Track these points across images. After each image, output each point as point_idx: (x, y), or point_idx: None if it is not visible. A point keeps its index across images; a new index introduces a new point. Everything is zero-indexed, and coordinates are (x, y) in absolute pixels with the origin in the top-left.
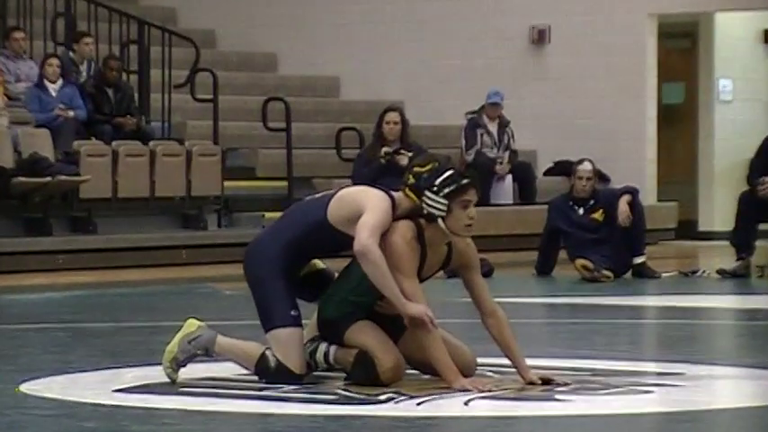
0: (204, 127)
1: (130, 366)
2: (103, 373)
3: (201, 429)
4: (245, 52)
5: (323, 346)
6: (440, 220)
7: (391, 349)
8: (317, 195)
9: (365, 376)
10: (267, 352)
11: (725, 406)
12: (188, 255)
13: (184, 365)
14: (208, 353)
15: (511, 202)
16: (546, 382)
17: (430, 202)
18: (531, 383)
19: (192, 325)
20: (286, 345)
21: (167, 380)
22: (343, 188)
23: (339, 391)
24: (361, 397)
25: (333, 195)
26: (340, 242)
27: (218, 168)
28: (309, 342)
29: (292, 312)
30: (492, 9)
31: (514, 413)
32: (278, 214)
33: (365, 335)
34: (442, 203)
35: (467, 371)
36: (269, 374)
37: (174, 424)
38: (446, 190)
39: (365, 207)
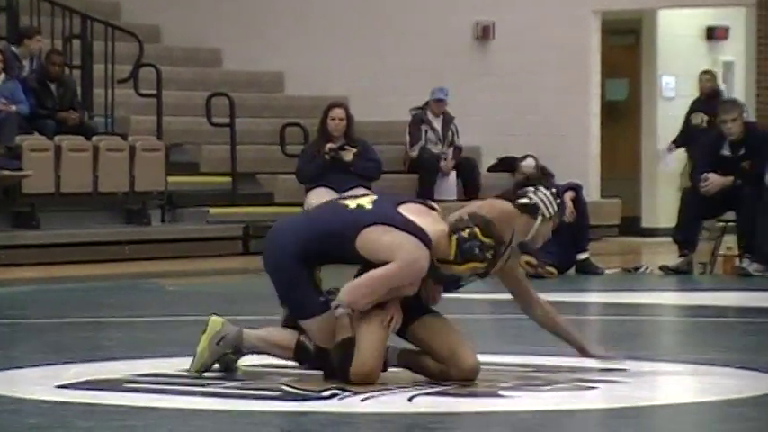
0: (148, 122)
1: (74, 362)
2: (47, 369)
3: (145, 425)
4: (189, 47)
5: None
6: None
7: (374, 355)
8: (353, 206)
9: (338, 363)
10: (303, 339)
11: (667, 402)
12: (131, 250)
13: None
14: (237, 350)
15: (455, 197)
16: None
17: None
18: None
19: (216, 323)
20: (323, 331)
21: (112, 376)
22: (370, 225)
23: (284, 387)
24: (305, 393)
25: (369, 224)
26: (359, 260)
27: (162, 164)
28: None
29: (321, 299)
30: (437, 5)
31: (458, 409)
32: (221, 210)
33: (367, 329)
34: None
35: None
36: (309, 360)
37: (118, 420)
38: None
39: (393, 259)
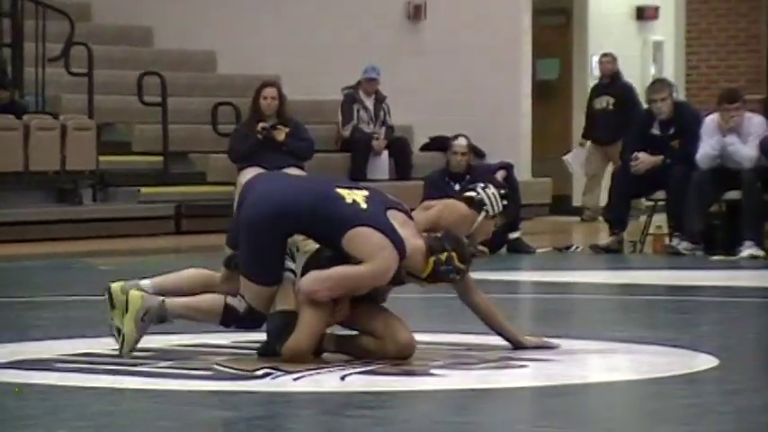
0: (79, 101)
1: (5, 342)
2: None
3: (77, 404)
4: (120, 26)
5: None
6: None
7: (311, 336)
8: (349, 200)
9: (273, 330)
10: (231, 301)
11: (597, 380)
12: (63, 229)
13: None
14: (163, 320)
15: (387, 177)
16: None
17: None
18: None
19: (136, 298)
20: (266, 299)
21: (44, 356)
22: (363, 225)
23: (216, 367)
24: (238, 372)
25: (362, 224)
26: (333, 247)
27: (94, 143)
28: None
29: (281, 273)
30: None
31: (390, 388)
32: (153, 189)
33: (312, 311)
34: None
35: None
36: (238, 320)
37: (50, 400)
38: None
39: (368, 260)
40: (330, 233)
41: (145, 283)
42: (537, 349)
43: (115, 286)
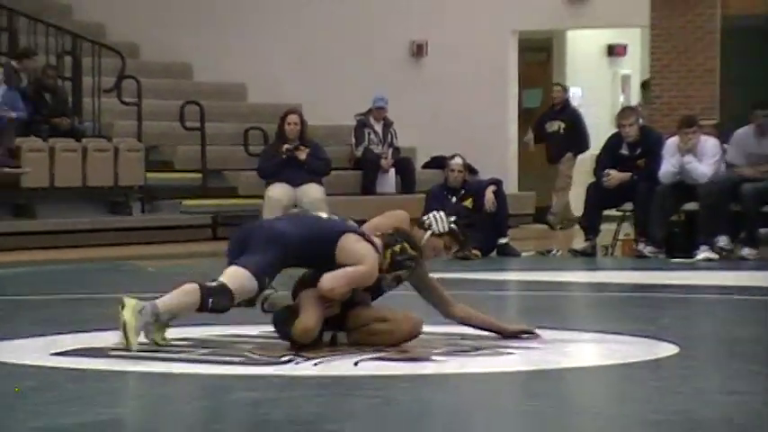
0: (129, 126)
1: (66, 333)
2: (43, 339)
3: (126, 387)
4: (164, 62)
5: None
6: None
7: (315, 319)
8: (325, 216)
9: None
10: (203, 283)
11: (575, 365)
12: (115, 236)
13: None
14: (156, 318)
15: (394, 191)
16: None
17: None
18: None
19: (131, 301)
20: (245, 288)
21: (98, 345)
22: (352, 233)
23: (247, 354)
24: (266, 359)
25: (344, 232)
26: (325, 260)
27: (142, 162)
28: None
29: (267, 279)
30: (378, 26)
31: (397, 372)
32: (193, 202)
33: (311, 301)
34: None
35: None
36: (212, 294)
37: (103, 382)
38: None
39: (360, 263)
40: (324, 247)
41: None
42: (520, 333)
43: (129, 299)
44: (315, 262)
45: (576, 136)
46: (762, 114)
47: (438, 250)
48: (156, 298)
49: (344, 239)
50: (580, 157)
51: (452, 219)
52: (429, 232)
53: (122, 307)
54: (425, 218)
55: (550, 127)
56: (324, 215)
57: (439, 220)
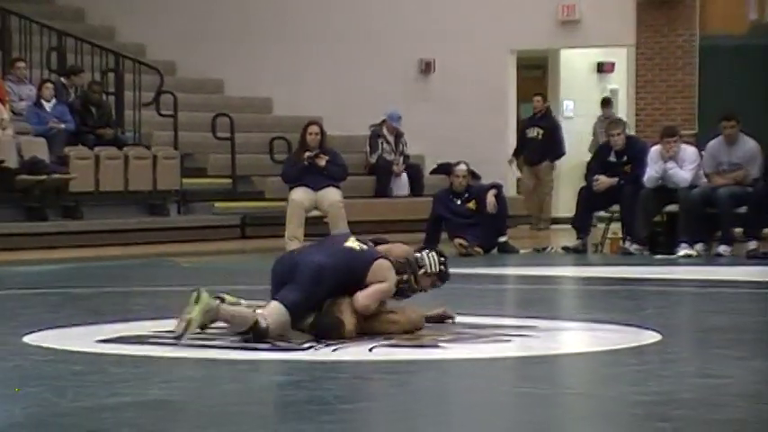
0: (167, 136)
1: (110, 322)
2: (88, 328)
3: (164, 371)
4: (198, 78)
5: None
6: None
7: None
8: (357, 248)
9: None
10: (259, 316)
11: (569, 351)
12: (154, 235)
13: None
14: (213, 321)
15: (408, 193)
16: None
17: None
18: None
19: (206, 298)
20: (282, 323)
21: (140, 332)
22: (378, 258)
23: (271, 341)
24: (289, 346)
25: (374, 260)
26: (357, 282)
27: (178, 168)
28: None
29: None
30: (390, 46)
31: (407, 357)
32: (224, 204)
33: (350, 310)
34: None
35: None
36: (259, 334)
37: (144, 366)
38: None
39: (387, 280)
40: (356, 274)
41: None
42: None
43: (205, 295)
44: (345, 290)
45: (552, 142)
46: (728, 126)
47: (424, 289)
48: (192, 290)
49: (376, 264)
50: (573, 162)
51: (443, 260)
52: (422, 270)
53: (196, 300)
54: (420, 256)
55: (530, 133)
56: (355, 246)
57: (432, 262)
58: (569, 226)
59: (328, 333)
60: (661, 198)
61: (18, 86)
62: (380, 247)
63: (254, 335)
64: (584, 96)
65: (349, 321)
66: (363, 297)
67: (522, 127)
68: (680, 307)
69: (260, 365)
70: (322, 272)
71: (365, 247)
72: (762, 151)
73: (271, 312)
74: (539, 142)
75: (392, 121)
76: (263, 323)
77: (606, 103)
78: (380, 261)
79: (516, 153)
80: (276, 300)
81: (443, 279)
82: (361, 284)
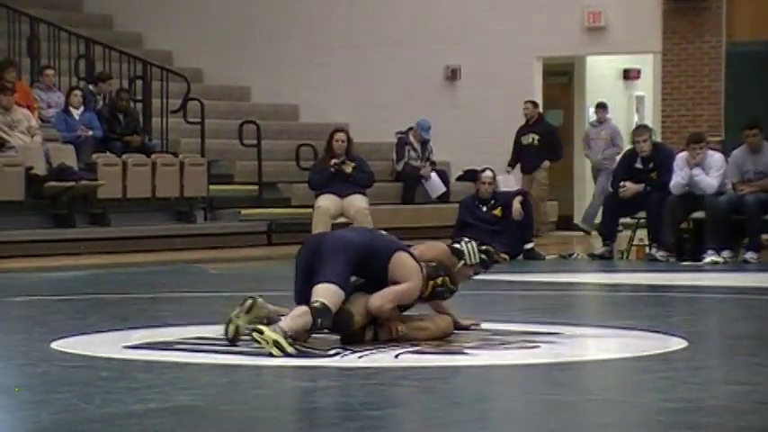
0: (194, 143)
1: (137, 328)
2: (115, 334)
3: (191, 376)
4: (225, 85)
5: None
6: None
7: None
8: (386, 236)
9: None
10: (311, 304)
11: (595, 358)
12: (181, 242)
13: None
14: (286, 335)
15: (443, 192)
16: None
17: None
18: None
19: (269, 335)
20: (336, 296)
21: (166, 339)
22: (404, 251)
23: (299, 348)
24: (316, 352)
25: (399, 248)
26: (380, 274)
27: (205, 175)
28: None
29: (345, 284)
30: (416, 53)
31: (433, 364)
32: (250, 211)
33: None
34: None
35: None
36: (319, 315)
37: (171, 372)
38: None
39: (406, 281)
40: (380, 259)
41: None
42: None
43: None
44: (370, 272)
45: (549, 147)
46: (750, 134)
47: (468, 277)
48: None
49: (399, 255)
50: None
51: (483, 248)
52: (462, 262)
53: (267, 343)
54: (459, 246)
55: (525, 140)
56: (381, 232)
57: (471, 252)
58: (596, 232)
59: (338, 325)
60: (687, 205)
61: (47, 94)
62: (417, 248)
63: (320, 322)
64: (609, 103)
65: (358, 312)
66: (378, 297)
67: (516, 136)
68: (706, 314)
69: (286, 372)
70: (346, 242)
71: (391, 236)
72: None
73: (325, 295)
74: (535, 148)
75: (421, 130)
76: (316, 305)
77: (600, 107)
78: (402, 254)
79: (512, 163)
80: (319, 282)
81: (486, 266)
82: (384, 273)
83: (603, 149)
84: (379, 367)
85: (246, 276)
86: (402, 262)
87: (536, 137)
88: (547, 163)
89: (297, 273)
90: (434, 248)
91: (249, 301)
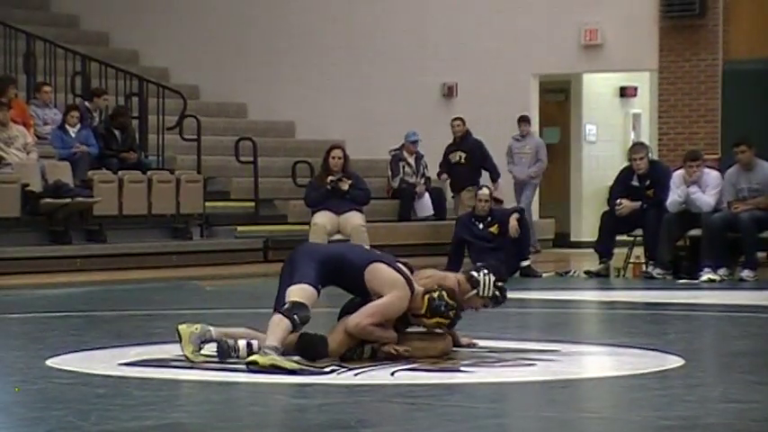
0: (190, 160)
1: (133, 345)
2: (111, 351)
3: (187, 394)
4: (221, 102)
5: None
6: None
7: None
8: (366, 249)
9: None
10: (280, 308)
11: (591, 375)
12: (177, 259)
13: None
14: (278, 351)
15: (431, 214)
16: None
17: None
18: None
19: (266, 359)
20: (310, 297)
21: (162, 356)
22: (381, 262)
23: (296, 362)
24: (311, 369)
25: (375, 260)
26: (360, 287)
27: (201, 192)
28: None
29: (317, 283)
30: (413, 69)
31: (429, 381)
32: (246, 228)
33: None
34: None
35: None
36: (292, 311)
37: (166, 390)
38: (435, 314)
39: (385, 294)
40: (354, 272)
41: (211, 328)
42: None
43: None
44: (346, 283)
45: (477, 165)
46: (739, 151)
47: (476, 309)
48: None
49: (374, 267)
50: (595, 187)
51: (499, 284)
52: (474, 291)
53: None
54: (477, 275)
55: (453, 158)
56: (365, 246)
57: (487, 285)
58: (592, 250)
59: (310, 349)
60: (684, 222)
61: (43, 110)
62: (431, 275)
63: (297, 318)
64: (606, 121)
65: (333, 339)
66: (354, 316)
67: (444, 154)
68: (703, 331)
69: (281, 389)
70: (314, 249)
71: (378, 252)
72: None
73: (294, 294)
74: (462, 167)
75: (409, 141)
76: (286, 305)
77: (523, 120)
78: (377, 265)
79: (439, 174)
80: (292, 284)
81: (497, 303)
82: (364, 287)
83: (528, 165)
84: (375, 384)
85: (243, 293)
86: (377, 273)
87: (463, 154)
88: (471, 187)
89: (279, 285)
90: (448, 279)
91: (180, 328)
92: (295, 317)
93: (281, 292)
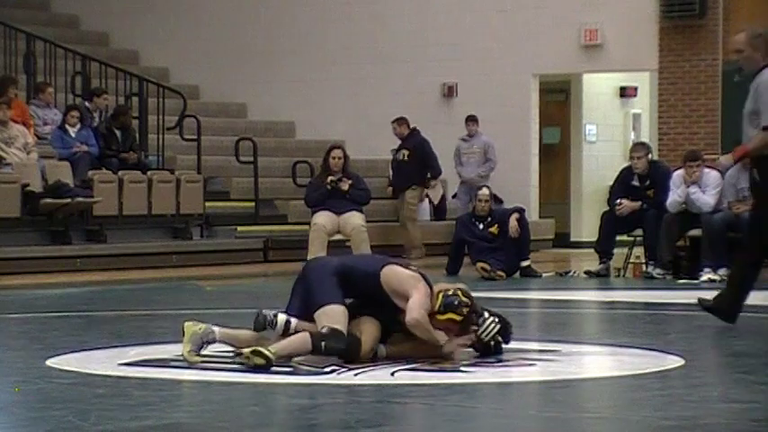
0: (190, 160)
1: (133, 345)
2: (111, 351)
3: (187, 394)
4: (221, 102)
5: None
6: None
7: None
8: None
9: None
10: (319, 331)
11: (591, 375)
12: (177, 259)
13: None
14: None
15: (428, 218)
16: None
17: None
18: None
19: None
20: (335, 316)
21: (162, 356)
22: (396, 264)
23: (295, 365)
24: (312, 369)
25: (388, 263)
26: (375, 293)
27: (201, 192)
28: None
29: (342, 299)
30: (413, 70)
31: (429, 381)
32: (246, 228)
33: (369, 329)
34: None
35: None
36: (325, 338)
37: (166, 390)
38: (448, 309)
39: (412, 290)
40: (368, 279)
41: (215, 328)
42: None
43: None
44: (361, 292)
45: (420, 163)
46: None
47: (464, 345)
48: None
49: (388, 269)
50: (595, 187)
51: (498, 338)
52: (474, 328)
53: (248, 358)
54: (485, 316)
55: (399, 156)
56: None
57: (487, 330)
58: (592, 250)
59: (345, 352)
60: (684, 222)
61: (43, 111)
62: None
63: (324, 346)
64: (606, 121)
65: (366, 341)
66: (411, 310)
67: (392, 155)
68: (703, 331)
69: (282, 389)
70: (326, 263)
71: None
72: None
73: (321, 321)
74: (405, 164)
75: None
76: (324, 330)
77: (471, 120)
78: (391, 267)
79: (392, 183)
80: (322, 306)
81: (486, 353)
82: (381, 293)
83: (477, 165)
84: (376, 384)
85: (243, 293)
86: (394, 274)
87: (406, 152)
88: (414, 186)
89: (291, 297)
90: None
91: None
92: (323, 343)
93: (292, 301)
